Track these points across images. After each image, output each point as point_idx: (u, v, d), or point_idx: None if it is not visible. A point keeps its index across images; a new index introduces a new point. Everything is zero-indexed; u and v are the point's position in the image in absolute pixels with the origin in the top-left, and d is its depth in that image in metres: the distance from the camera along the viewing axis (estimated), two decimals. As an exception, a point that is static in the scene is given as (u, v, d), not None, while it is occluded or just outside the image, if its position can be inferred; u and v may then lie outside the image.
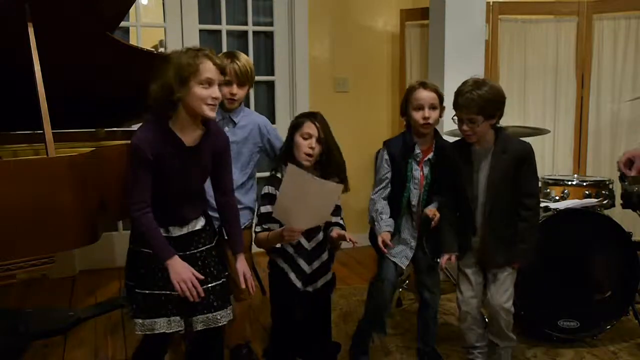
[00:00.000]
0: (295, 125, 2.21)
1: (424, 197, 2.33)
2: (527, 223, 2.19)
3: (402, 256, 2.36)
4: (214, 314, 1.89)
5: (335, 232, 2.21)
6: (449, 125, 3.37)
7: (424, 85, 2.28)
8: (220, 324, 1.91)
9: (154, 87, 1.78)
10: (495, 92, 2.12)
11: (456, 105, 2.15)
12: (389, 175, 2.34)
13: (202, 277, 1.82)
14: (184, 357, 2.47)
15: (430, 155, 2.31)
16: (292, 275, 2.20)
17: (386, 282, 2.35)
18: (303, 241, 2.20)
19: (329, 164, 2.20)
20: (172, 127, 1.82)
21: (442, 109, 2.31)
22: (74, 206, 1.98)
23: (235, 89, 2.30)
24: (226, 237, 2.06)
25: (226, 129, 2.33)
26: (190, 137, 1.85)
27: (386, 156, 2.34)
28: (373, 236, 2.36)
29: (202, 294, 1.80)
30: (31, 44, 2.09)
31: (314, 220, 2.10)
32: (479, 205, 2.22)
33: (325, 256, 2.27)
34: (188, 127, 1.83)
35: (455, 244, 2.28)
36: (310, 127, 2.16)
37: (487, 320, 2.38)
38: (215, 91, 1.78)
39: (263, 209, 2.19)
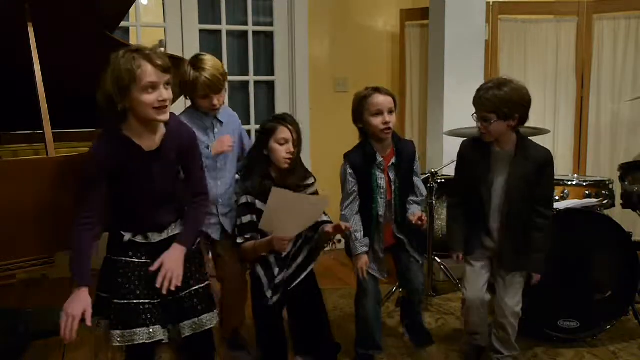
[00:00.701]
0: (268, 131, 2.18)
1: (397, 202, 2.30)
2: (541, 233, 2.18)
3: (381, 270, 2.36)
4: (200, 317, 1.85)
5: (330, 227, 2.20)
6: (448, 125, 3.39)
7: (378, 90, 2.24)
8: (207, 327, 1.87)
9: (98, 97, 1.68)
10: (515, 93, 2.08)
11: (473, 102, 2.15)
12: (355, 188, 2.29)
13: (89, 324, 1.69)
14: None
15: (393, 160, 2.29)
16: (265, 285, 2.20)
17: (369, 299, 2.34)
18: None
19: (300, 166, 2.22)
20: (128, 133, 1.73)
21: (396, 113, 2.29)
22: (74, 206, 1.98)
23: (214, 99, 2.24)
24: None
25: (216, 130, 2.32)
26: (149, 141, 1.75)
27: (349, 170, 2.29)
28: (349, 250, 2.34)
29: (74, 337, 1.66)
30: (31, 44, 2.09)
31: (301, 228, 2.11)
32: (495, 208, 2.20)
33: (301, 259, 2.26)
34: (144, 132, 1.73)
35: (462, 244, 2.28)
36: (285, 132, 2.16)
37: (494, 325, 2.37)
38: (161, 94, 1.66)
39: (244, 219, 2.16)
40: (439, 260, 3.36)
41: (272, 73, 4.23)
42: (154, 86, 1.65)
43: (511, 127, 2.12)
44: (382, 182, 2.28)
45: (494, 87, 2.08)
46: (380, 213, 2.29)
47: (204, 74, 2.18)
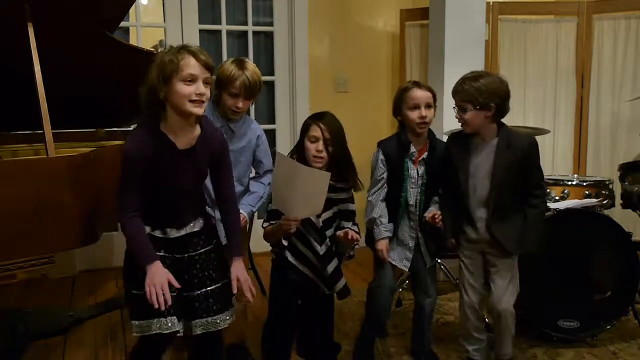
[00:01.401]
0: (304, 128, 2.20)
1: (422, 197, 2.33)
2: (536, 209, 2.23)
3: (402, 258, 2.36)
4: (214, 317, 1.86)
5: (340, 232, 2.19)
6: (448, 125, 3.38)
7: (418, 84, 2.29)
8: (220, 328, 1.88)
9: (142, 90, 1.74)
10: (491, 84, 2.14)
11: (452, 93, 2.21)
12: (385, 175, 2.33)
13: (178, 285, 1.76)
14: None
15: (425, 155, 2.31)
16: (318, 281, 2.19)
17: (384, 288, 2.35)
18: (315, 245, 2.19)
19: (338, 169, 2.18)
20: (164, 129, 1.78)
21: (436, 107, 2.32)
22: (74, 206, 1.98)
23: (240, 102, 2.28)
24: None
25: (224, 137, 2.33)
26: (184, 139, 1.80)
27: (381, 156, 2.34)
28: (371, 239, 2.36)
29: (169, 303, 1.72)
30: (31, 44, 2.09)
31: (307, 209, 2.09)
32: (478, 199, 2.23)
33: (335, 262, 2.25)
34: (180, 128, 1.79)
35: (450, 230, 2.32)
36: (315, 131, 2.15)
37: (490, 324, 2.38)
38: (199, 87, 1.72)
39: (271, 206, 2.19)
40: (439, 260, 3.36)
41: (272, 73, 4.23)
42: (193, 79, 1.71)
43: (489, 118, 2.16)
44: (413, 172, 2.31)
45: (471, 78, 2.16)
46: (411, 202, 2.32)
47: (246, 73, 2.25)
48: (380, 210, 2.32)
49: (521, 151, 2.18)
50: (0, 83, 2.37)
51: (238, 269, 1.91)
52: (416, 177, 2.31)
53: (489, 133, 2.21)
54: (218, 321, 1.87)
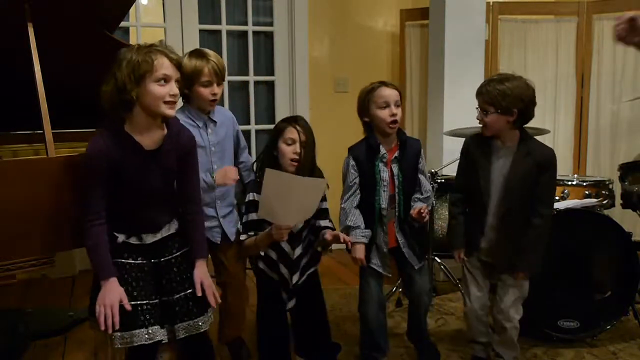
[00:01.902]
0: (277, 132, 2.18)
1: (400, 197, 2.29)
2: (537, 231, 2.17)
3: (384, 265, 2.33)
4: (195, 320, 1.84)
5: (329, 234, 2.18)
6: (448, 125, 3.39)
7: (385, 83, 2.26)
8: (201, 330, 1.85)
9: (105, 89, 1.68)
10: (515, 89, 2.09)
11: (476, 93, 2.17)
12: (357, 180, 2.29)
13: (129, 307, 1.70)
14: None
15: (396, 153, 2.28)
16: (280, 289, 2.21)
17: (371, 305, 2.33)
18: (287, 249, 2.19)
19: (308, 169, 2.18)
20: (129, 130, 1.73)
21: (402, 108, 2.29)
22: (74, 206, 1.97)
23: (215, 88, 2.24)
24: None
25: (209, 130, 2.30)
26: (150, 139, 1.76)
27: (352, 162, 2.29)
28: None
29: (117, 327, 1.67)
30: (31, 44, 2.09)
31: (300, 215, 2.09)
32: (492, 205, 2.20)
33: (309, 265, 2.27)
34: (146, 129, 1.74)
35: (463, 241, 2.28)
36: (292, 132, 2.15)
37: (494, 329, 2.38)
38: (173, 88, 1.70)
39: (250, 217, 2.15)
40: (439, 260, 3.36)
41: (272, 73, 4.23)
42: (167, 79, 1.69)
43: (510, 123, 2.12)
44: (385, 174, 2.27)
45: (496, 80, 2.11)
46: (383, 206, 2.28)
47: (211, 60, 2.21)
48: (355, 218, 2.26)
49: (540, 161, 2.14)
50: (0, 83, 2.37)
51: (202, 272, 1.87)
52: (388, 179, 2.27)
53: (510, 138, 2.17)
54: (200, 323, 1.85)
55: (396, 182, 2.28)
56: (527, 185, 2.15)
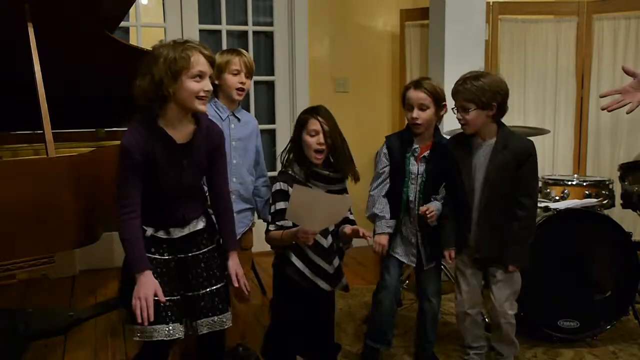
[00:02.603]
0: (300, 123, 2.17)
1: (420, 195, 2.31)
2: (520, 223, 2.17)
3: (408, 254, 2.35)
4: (220, 316, 1.86)
5: (348, 228, 2.15)
6: (449, 125, 3.38)
7: (416, 85, 2.27)
8: (225, 327, 1.88)
9: (141, 83, 1.71)
10: (492, 83, 2.12)
11: (452, 94, 2.19)
12: (386, 169, 2.33)
13: (164, 299, 1.73)
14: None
15: (426, 153, 2.30)
16: (320, 282, 2.15)
17: (389, 291, 2.35)
18: (320, 239, 2.14)
19: (337, 160, 2.17)
20: (162, 124, 1.77)
21: (442, 107, 2.28)
22: (74, 206, 1.98)
23: (244, 78, 2.33)
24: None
25: (232, 126, 2.36)
26: (181, 133, 1.79)
27: (385, 150, 2.35)
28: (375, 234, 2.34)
29: (152, 319, 1.70)
30: (31, 44, 2.09)
31: (326, 223, 2.08)
32: (475, 201, 2.21)
33: (338, 257, 2.24)
34: (178, 123, 1.78)
35: (452, 240, 2.28)
36: (314, 124, 2.14)
37: (490, 325, 2.37)
38: (207, 84, 1.74)
39: (278, 206, 2.12)
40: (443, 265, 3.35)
41: (272, 73, 4.23)
42: (202, 75, 1.73)
43: (490, 117, 2.15)
44: (414, 168, 2.30)
45: (471, 78, 2.14)
46: (411, 198, 2.31)
47: (243, 54, 2.33)
48: (382, 206, 2.31)
49: (517, 153, 2.15)
50: (0, 83, 2.37)
51: (236, 263, 1.94)
52: (416, 173, 2.31)
53: (489, 132, 2.19)
54: (224, 320, 1.87)
55: (419, 180, 2.30)
56: (506, 178, 2.16)
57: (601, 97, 2.17)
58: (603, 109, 2.05)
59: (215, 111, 2.32)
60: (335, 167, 2.16)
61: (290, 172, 2.15)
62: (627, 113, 2.05)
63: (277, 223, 2.12)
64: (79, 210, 1.99)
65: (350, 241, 2.22)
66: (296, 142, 2.19)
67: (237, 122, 2.38)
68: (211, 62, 1.76)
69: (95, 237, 2.13)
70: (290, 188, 2.09)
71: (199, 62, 1.72)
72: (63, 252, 2.24)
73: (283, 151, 2.23)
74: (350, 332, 2.80)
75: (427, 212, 2.23)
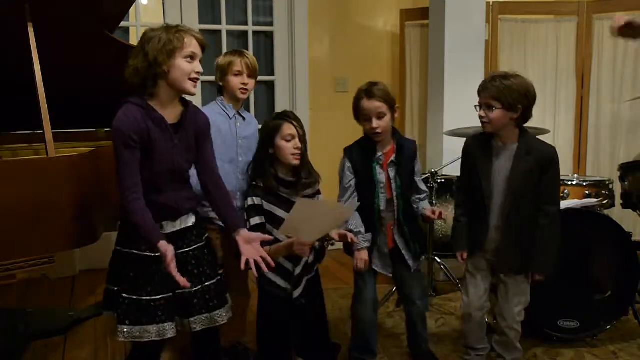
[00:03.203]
0: (273, 129, 2.17)
1: (399, 200, 2.26)
2: (545, 232, 2.15)
3: (385, 265, 2.33)
4: (212, 313, 1.87)
5: (335, 233, 2.15)
6: (448, 125, 3.39)
7: (368, 94, 2.20)
8: (219, 324, 1.88)
9: (134, 62, 1.74)
10: (520, 85, 2.08)
11: (478, 90, 2.15)
12: (352, 183, 2.26)
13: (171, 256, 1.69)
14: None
15: (393, 157, 2.26)
16: (280, 281, 2.17)
17: (366, 304, 2.33)
18: (288, 265, 2.17)
19: (304, 164, 2.19)
20: (152, 104, 1.79)
21: (395, 110, 2.24)
22: (74, 206, 1.98)
23: (246, 78, 2.35)
24: (221, 221, 1.99)
25: (238, 124, 2.38)
26: (171, 114, 1.81)
27: (348, 164, 2.27)
28: (349, 248, 2.29)
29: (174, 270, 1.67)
30: (31, 44, 2.09)
31: (322, 234, 2.09)
32: (495, 205, 2.18)
33: (314, 262, 2.25)
34: (169, 104, 1.80)
35: (465, 243, 2.27)
36: (290, 128, 2.15)
37: (495, 329, 2.37)
38: (198, 66, 1.78)
39: (252, 222, 2.13)
40: (439, 260, 3.36)
41: (272, 73, 4.23)
42: (193, 57, 1.77)
43: (513, 120, 2.11)
44: (382, 177, 2.25)
45: (500, 77, 2.10)
46: (382, 208, 2.27)
47: (245, 55, 2.37)
48: (356, 221, 2.23)
49: (541, 159, 2.12)
50: (0, 83, 2.37)
51: (248, 243, 1.86)
52: (385, 181, 2.26)
53: (510, 137, 2.15)
54: (217, 317, 1.87)
55: (394, 185, 2.25)
56: (529, 185, 2.13)
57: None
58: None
59: (223, 109, 2.35)
60: (300, 172, 2.17)
61: (260, 184, 2.15)
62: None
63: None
64: (79, 210, 1.99)
65: (332, 240, 2.21)
66: (264, 151, 2.18)
67: (242, 121, 2.41)
68: (202, 45, 1.80)
69: (95, 237, 2.13)
70: (263, 202, 2.10)
71: (192, 44, 1.76)
72: (63, 252, 2.25)
73: (249, 165, 2.24)
74: (350, 332, 2.80)
75: (434, 214, 2.20)
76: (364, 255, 2.23)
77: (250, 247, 1.84)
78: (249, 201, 2.15)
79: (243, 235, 1.86)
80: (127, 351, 2.61)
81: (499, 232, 2.19)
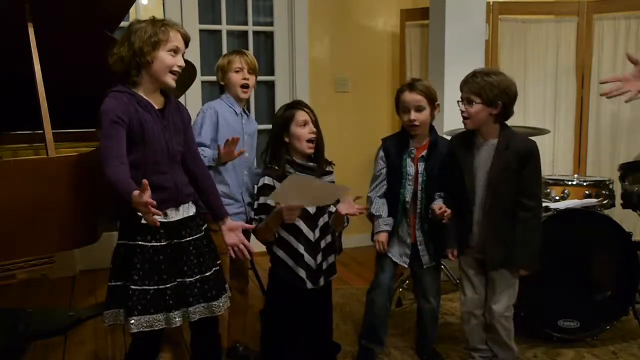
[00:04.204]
0: (287, 118, 2.16)
1: (423, 195, 2.32)
2: (525, 225, 2.15)
3: (401, 254, 2.37)
4: (210, 303, 1.88)
5: (339, 206, 2.11)
6: (448, 125, 3.39)
7: (410, 87, 2.29)
8: (217, 313, 1.90)
9: (119, 50, 1.79)
10: (501, 82, 2.11)
11: (460, 85, 2.19)
12: (383, 171, 2.37)
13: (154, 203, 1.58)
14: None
15: (424, 152, 2.32)
16: (302, 272, 2.14)
17: (382, 290, 2.37)
18: (307, 231, 2.15)
19: (319, 152, 2.20)
20: (135, 91, 1.82)
21: (435, 107, 2.32)
22: (74, 206, 1.98)
23: (246, 74, 2.40)
24: (205, 207, 2.00)
25: (243, 121, 2.44)
26: (154, 101, 1.85)
27: (382, 152, 2.39)
28: (373, 234, 2.38)
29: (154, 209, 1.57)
30: (31, 44, 2.09)
31: (310, 205, 2.10)
32: (478, 201, 2.21)
33: (329, 250, 2.23)
34: (150, 93, 1.84)
35: (454, 239, 2.28)
36: (303, 115, 2.16)
37: (488, 326, 2.37)
38: (180, 60, 1.81)
39: (261, 200, 2.14)
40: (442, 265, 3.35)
41: (272, 73, 4.23)
42: (177, 51, 1.81)
43: (493, 116, 2.14)
44: (411, 169, 2.33)
45: (482, 73, 2.15)
46: (407, 199, 2.33)
47: (245, 54, 2.44)
48: (379, 206, 2.35)
49: (520, 153, 2.14)
50: (0, 83, 2.37)
51: (233, 231, 1.97)
52: (413, 174, 2.32)
53: (491, 132, 2.18)
54: (215, 307, 1.89)
55: (420, 179, 2.32)
56: (509, 179, 2.15)
57: (601, 83, 2.16)
58: (602, 95, 2.03)
59: (229, 106, 2.40)
60: (317, 159, 2.19)
61: (275, 167, 2.16)
62: (626, 102, 2.03)
63: (261, 216, 2.13)
64: (79, 210, 1.99)
65: (344, 222, 2.19)
66: (279, 139, 2.18)
67: (247, 118, 2.46)
68: (186, 40, 1.84)
69: (95, 237, 2.13)
70: (276, 182, 2.10)
71: (177, 38, 1.80)
72: (63, 252, 2.24)
73: (263, 152, 2.24)
74: (350, 332, 2.80)
75: (441, 209, 2.21)
76: (382, 237, 2.32)
77: (233, 234, 1.97)
78: (263, 180, 2.16)
79: (227, 224, 1.98)
80: (127, 350, 2.62)
81: (481, 226, 2.21)
